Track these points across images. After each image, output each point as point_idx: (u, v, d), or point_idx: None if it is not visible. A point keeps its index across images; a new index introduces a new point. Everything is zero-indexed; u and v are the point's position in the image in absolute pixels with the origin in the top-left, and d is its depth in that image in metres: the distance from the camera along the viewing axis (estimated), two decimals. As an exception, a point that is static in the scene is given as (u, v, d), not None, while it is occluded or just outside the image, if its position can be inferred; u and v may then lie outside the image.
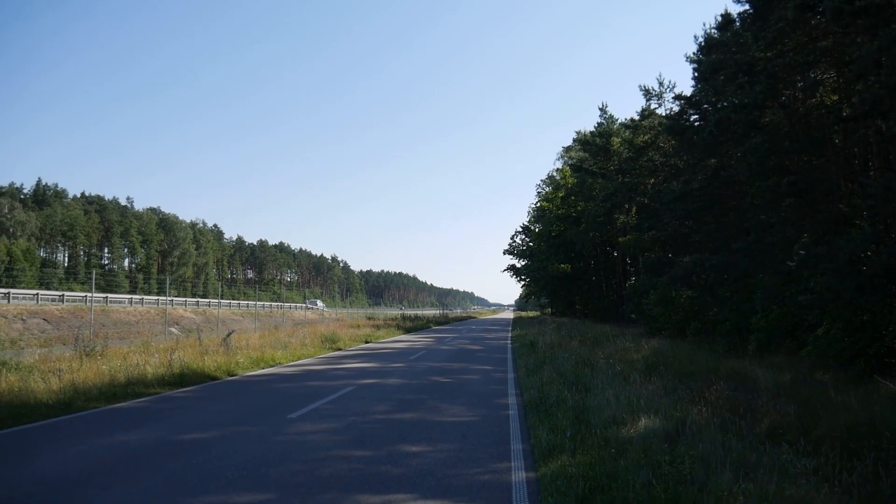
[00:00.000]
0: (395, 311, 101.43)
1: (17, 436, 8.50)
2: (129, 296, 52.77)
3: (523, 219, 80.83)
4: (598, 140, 41.33)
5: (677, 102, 26.32)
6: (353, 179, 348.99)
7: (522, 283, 69.79)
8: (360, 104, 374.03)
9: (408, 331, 44.29)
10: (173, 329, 34.75)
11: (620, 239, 37.55)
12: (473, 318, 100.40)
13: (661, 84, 32.96)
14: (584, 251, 47.58)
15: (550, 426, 8.53)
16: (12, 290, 39.14)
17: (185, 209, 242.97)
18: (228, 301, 71.72)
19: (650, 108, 33.57)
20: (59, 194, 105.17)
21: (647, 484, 5.60)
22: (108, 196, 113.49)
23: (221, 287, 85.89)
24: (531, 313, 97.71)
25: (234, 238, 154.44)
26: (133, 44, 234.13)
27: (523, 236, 64.83)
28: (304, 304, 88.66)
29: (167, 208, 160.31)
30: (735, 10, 20.06)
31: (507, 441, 8.13)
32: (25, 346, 22.71)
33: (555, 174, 60.61)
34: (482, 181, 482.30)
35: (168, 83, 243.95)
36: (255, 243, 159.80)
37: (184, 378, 14.02)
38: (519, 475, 6.49)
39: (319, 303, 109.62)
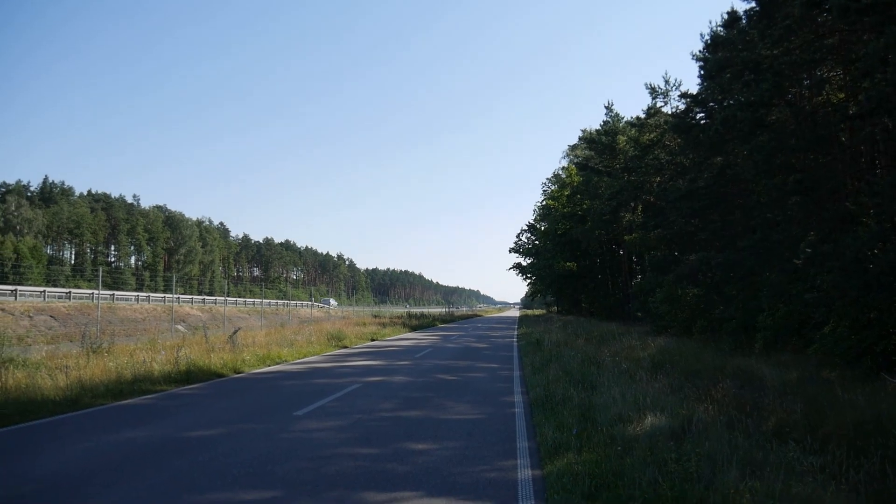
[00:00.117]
0: (400, 310, 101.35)
1: (24, 432, 8.55)
2: (135, 293, 52.95)
3: (529, 217, 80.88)
4: (603, 138, 41.28)
5: (683, 100, 26.27)
6: (358, 176, 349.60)
7: (528, 281, 69.72)
8: (366, 99, 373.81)
9: (413, 329, 44.34)
10: (180, 326, 34.87)
11: (626, 237, 37.53)
12: (479, 316, 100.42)
13: (667, 82, 32.91)
14: (590, 249, 47.48)
15: (556, 424, 8.53)
16: (19, 288, 39.27)
17: (192, 207, 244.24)
18: (234, 299, 71.91)
19: (656, 107, 33.50)
20: (66, 192, 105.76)
21: (653, 482, 5.60)
22: (115, 194, 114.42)
23: (227, 285, 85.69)
24: (537, 311, 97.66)
25: (240, 236, 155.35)
26: (141, 37, 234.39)
27: (529, 235, 64.82)
28: (310, 302, 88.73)
29: (173, 206, 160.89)
30: (741, 7, 20.07)
31: (513, 439, 8.12)
32: (32, 343, 22.79)
33: (560, 172, 60.54)
34: (488, 179, 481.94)
35: (173, 78, 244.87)
36: (260, 241, 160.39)
37: (190, 375, 14.07)
38: (525, 473, 6.50)
39: (333, 301, 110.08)
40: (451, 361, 19.34)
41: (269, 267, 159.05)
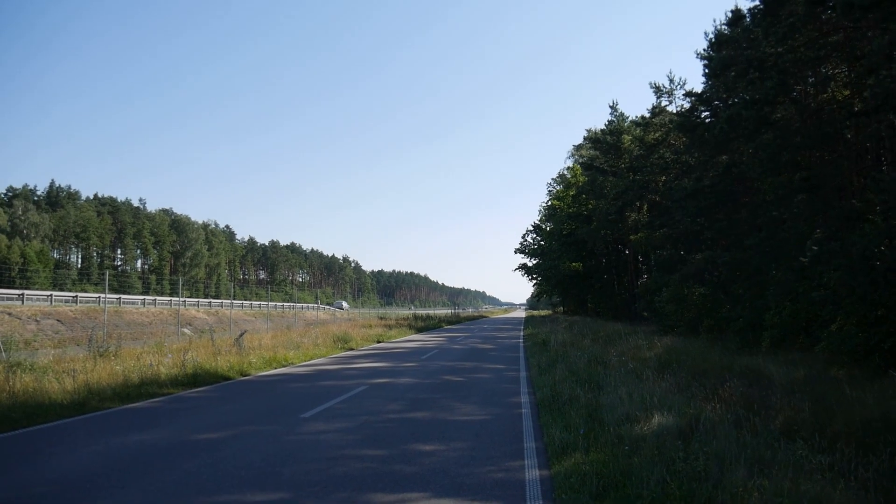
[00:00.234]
0: (406, 311, 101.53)
1: (32, 436, 8.58)
2: (141, 297, 53.12)
3: (535, 218, 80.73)
4: (608, 138, 41.22)
5: (688, 99, 26.27)
6: (364, 178, 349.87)
7: (534, 281, 69.62)
8: (371, 101, 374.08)
9: (420, 330, 44.35)
10: (186, 330, 34.93)
11: (632, 237, 37.43)
12: (485, 317, 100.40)
13: (671, 81, 32.83)
14: (596, 249, 47.42)
15: (564, 424, 8.53)
16: (26, 292, 39.44)
17: (197, 210, 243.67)
18: (241, 302, 71.99)
19: (661, 106, 33.43)
20: (72, 196, 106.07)
21: (661, 481, 5.59)
22: (121, 197, 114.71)
23: (234, 288, 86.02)
24: (543, 312, 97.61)
25: (246, 239, 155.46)
26: (146, 40, 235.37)
27: (535, 235, 64.68)
28: (316, 305, 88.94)
29: (179, 209, 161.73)
30: (745, 5, 20.13)
31: (521, 439, 8.12)
32: (39, 347, 22.85)
33: (566, 173, 60.53)
34: (492, 180, 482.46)
35: (178, 81, 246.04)
36: (266, 244, 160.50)
37: (197, 378, 14.10)
38: (532, 473, 6.49)
39: (345, 304, 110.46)
40: (458, 362, 19.34)
41: (275, 269, 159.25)
